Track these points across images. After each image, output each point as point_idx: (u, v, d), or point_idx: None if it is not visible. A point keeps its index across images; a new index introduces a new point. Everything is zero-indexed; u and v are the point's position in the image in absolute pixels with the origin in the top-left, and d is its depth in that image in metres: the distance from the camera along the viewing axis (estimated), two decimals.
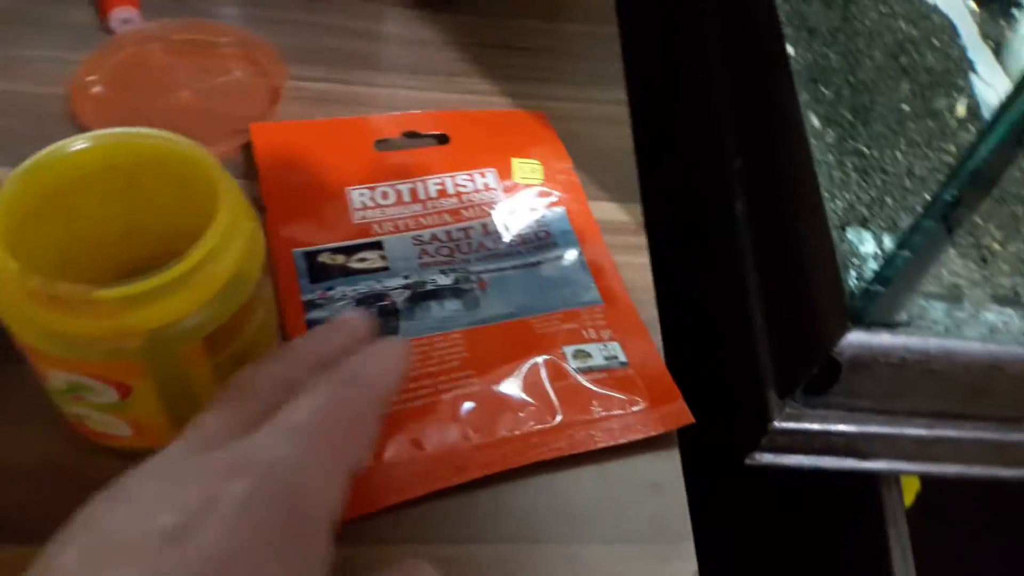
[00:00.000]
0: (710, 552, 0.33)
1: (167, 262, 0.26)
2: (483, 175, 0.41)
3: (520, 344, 0.35)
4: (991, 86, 0.40)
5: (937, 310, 0.33)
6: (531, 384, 0.33)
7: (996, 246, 0.35)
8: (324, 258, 0.36)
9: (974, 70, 0.41)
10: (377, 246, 0.37)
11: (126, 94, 0.49)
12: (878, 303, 0.32)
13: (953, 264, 0.34)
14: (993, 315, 0.33)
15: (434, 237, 0.38)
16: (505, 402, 0.33)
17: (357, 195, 0.39)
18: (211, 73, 0.51)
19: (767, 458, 0.37)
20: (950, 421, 0.35)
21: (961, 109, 0.38)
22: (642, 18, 0.55)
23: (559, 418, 0.33)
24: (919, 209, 0.36)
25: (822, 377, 0.34)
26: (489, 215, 0.39)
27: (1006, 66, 0.42)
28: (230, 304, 0.27)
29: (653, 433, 0.33)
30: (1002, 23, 0.46)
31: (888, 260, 0.32)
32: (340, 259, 0.36)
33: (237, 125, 0.48)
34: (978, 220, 0.35)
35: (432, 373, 0.33)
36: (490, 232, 0.38)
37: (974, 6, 0.45)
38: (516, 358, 0.34)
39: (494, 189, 0.40)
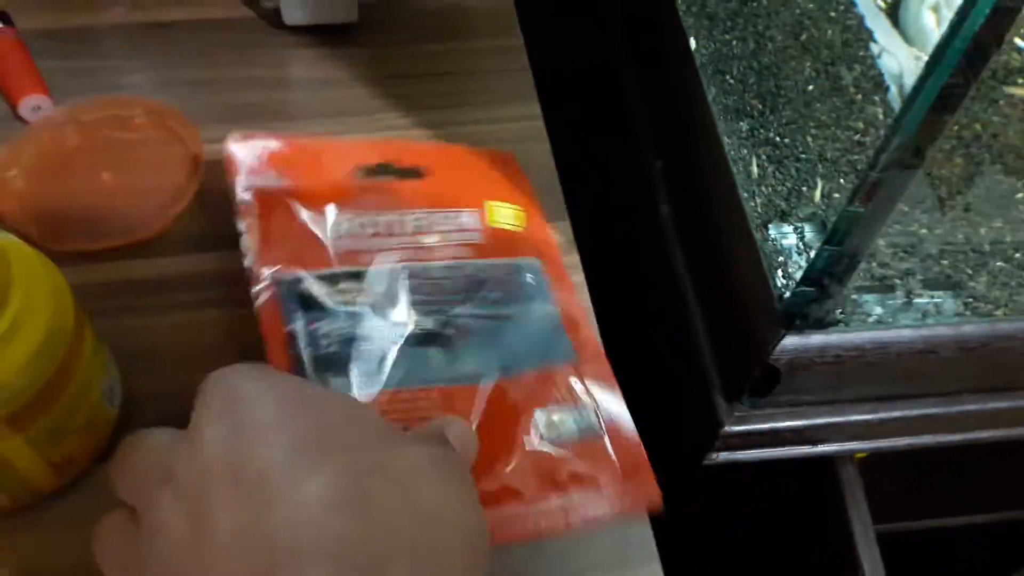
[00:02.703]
0: (677, 561, 0.31)
1: None
2: (462, 215, 0.35)
3: (493, 410, 0.30)
4: (892, 54, 0.36)
5: (870, 302, 0.30)
6: (501, 459, 0.29)
7: (923, 231, 0.32)
8: (307, 286, 0.31)
9: (873, 39, 0.38)
10: (359, 277, 0.32)
11: (48, 184, 0.45)
12: (807, 305, 0.29)
13: (882, 254, 0.31)
14: (925, 300, 0.30)
15: (415, 274, 0.32)
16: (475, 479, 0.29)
17: (339, 221, 0.33)
18: (129, 149, 0.46)
19: (723, 457, 0.34)
20: (893, 403, 0.32)
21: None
22: (542, 25, 0.50)
23: (528, 496, 0.29)
24: (836, 196, 0.33)
25: (763, 381, 0.31)
26: (468, 258, 0.34)
27: (903, 30, 0.38)
28: (27, 389, 0.28)
29: (622, 512, 0.29)
30: None
31: (813, 258, 0.29)
32: (323, 288, 0.31)
33: (164, 199, 0.43)
34: (904, 207, 0.32)
35: None
36: (468, 276, 0.33)
37: None
38: (487, 428, 0.30)
39: (473, 230, 0.35)
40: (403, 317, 0.31)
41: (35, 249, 0.31)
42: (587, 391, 0.31)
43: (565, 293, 0.35)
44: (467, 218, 0.35)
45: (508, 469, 0.29)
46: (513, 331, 0.32)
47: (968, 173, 0.33)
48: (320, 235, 0.32)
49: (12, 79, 0.46)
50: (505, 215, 0.36)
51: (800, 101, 0.36)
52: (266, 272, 0.31)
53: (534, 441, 0.30)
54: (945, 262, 0.31)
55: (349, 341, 0.30)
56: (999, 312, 0.30)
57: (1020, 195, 0.33)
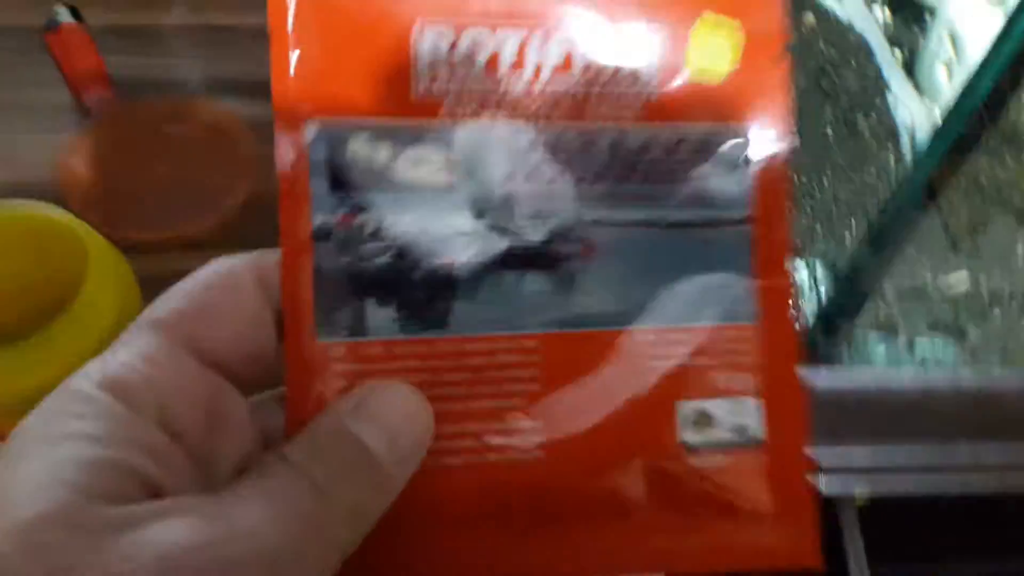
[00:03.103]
0: None
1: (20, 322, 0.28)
2: (642, 39, 0.21)
3: (617, 377, 0.20)
4: (906, 105, 0.38)
5: (873, 341, 0.32)
6: (615, 455, 0.20)
7: (928, 275, 0.33)
8: (358, 146, 0.20)
9: (889, 89, 0.40)
10: (443, 140, 0.20)
11: (109, 175, 0.47)
12: (814, 339, 0.31)
13: (887, 296, 0.33)
14: (927, 343, 0.32)
15: (536, 144, 0.21)
16: (572, 479, 0.20)
17: (431, 40, 0.20)
18: (184, 146, 0.48)
19: None
20: (890, 442, 0.34)
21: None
22: None
23: (643, 519, 0.20)
24: (847, 235, 0.35)
25: None
26: (632, 121, 0.21)
27: (917, 83, 0.40)
28: None
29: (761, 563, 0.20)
30: (915, 29, 0.44)
31: (821, 295, 0.31)
32: (384, 153, 0.20)
33: (216, 198, 0.46)
34: (913, 251, 0.34)
35: (479, 412, 0.20)
36: (623, 153, 0.21)
37: (885, 17, 0.43)
38: (604, 405, 0.21)
39: (650, 73, 0.21)
40: (501, 216, 0.21)
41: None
42: (759, 376, 0.20)
43: (773, 206, 0.20)
44: (651, 47, 0.21)
45: (623, 475, 0.20)
46: (675, 251, 0.21)
47: (972, 225, 0.35)
48: (396, 61, 0.20)
49: (79, 72, 0.48)
50: (716, 47, 0.21)
51: (818, 144, 0.38)
52: (298, 119, 0.20)
53: (669, 442, 0.20)
54: (946, 307, 0.33)
55: (409, 250, 0.20)
56: (995, 360, 0.32)
57: (1020, 247, 0.35)
